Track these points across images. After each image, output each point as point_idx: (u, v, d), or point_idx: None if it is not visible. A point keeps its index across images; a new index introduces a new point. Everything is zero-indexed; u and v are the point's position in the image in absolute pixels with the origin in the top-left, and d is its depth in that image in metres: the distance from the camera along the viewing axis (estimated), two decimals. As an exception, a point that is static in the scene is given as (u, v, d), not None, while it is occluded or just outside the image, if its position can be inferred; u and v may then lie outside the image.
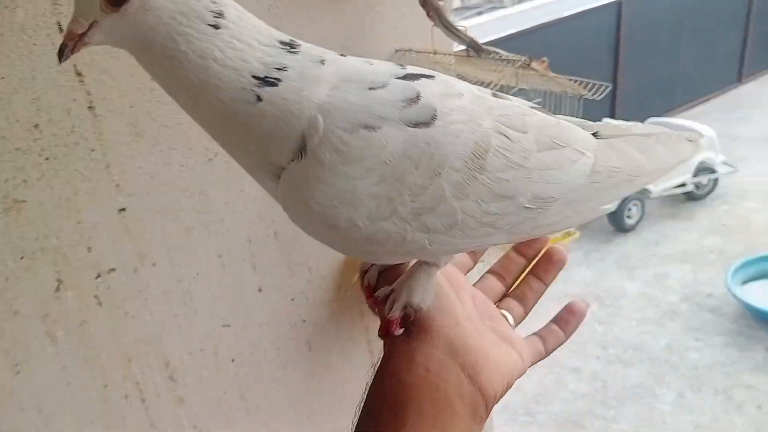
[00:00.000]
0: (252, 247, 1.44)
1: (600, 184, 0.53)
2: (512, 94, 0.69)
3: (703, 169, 4.25)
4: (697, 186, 4.32)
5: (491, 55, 1.41)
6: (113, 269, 1.23)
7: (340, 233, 0.47)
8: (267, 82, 0.44)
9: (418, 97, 0.46)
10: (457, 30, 1.41)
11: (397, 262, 0.58)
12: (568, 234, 1.84)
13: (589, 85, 1.45)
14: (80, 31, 0.42)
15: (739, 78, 6.13)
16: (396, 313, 0.55)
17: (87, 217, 1.19)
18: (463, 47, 1.46)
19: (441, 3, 1.38)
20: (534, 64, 1.37)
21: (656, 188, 4.01)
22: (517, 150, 0.49)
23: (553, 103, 1.50)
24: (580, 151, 0.53)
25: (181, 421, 1.36)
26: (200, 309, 1.37)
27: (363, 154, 0.45)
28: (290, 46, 0.46)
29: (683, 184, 4.21)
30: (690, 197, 4.37)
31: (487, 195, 0.48)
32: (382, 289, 0.57)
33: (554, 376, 2.96)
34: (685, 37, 5.58)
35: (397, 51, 1.54)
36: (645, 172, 0.55)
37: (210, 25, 0.44)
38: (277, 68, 0.45)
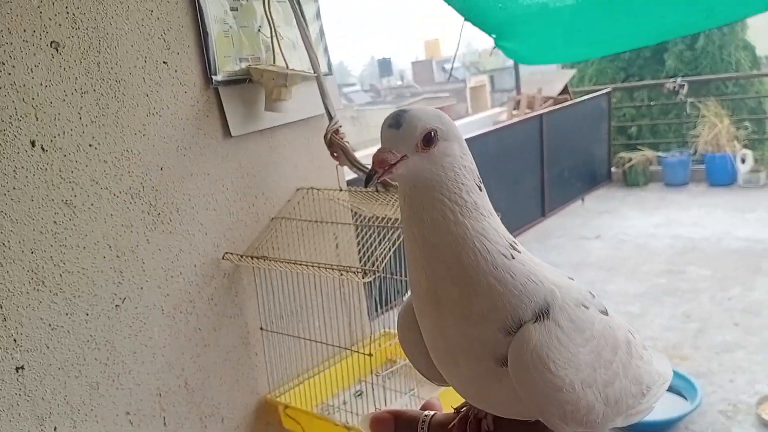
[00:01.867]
0: (162, 400, 1.31)
1: (647, 402, 0.60)
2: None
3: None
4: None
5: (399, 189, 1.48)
6: (13, 439, 1.05)
7: (561, 395, 0.51)
8: (513, 248, 0.52)
9: (594, 296, 0.56)
10: (364, 167, 1.49)
11: (521, 417, 0.57)
12: None
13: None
14: (393, 162, 0.47)
15: (543, 212, 6.97)
16: None
17: (-14, 379, 1.02)
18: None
19: (347, 143, 1.46)
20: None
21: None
22: (635, 344, 0.58)
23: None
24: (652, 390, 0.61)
25: None
26: (110, 478, 1.19)
27: (584, 326, 0.52)
28: (512, 246, 0.53)
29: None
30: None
31: (633, 378, 0.56)
32: None
33: None
34: (493, 178, 6.30)
35: (298, 189, 1.59)
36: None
37: (477, 186, 0.52)
38: (514, 248, 0.52)
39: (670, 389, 3.44)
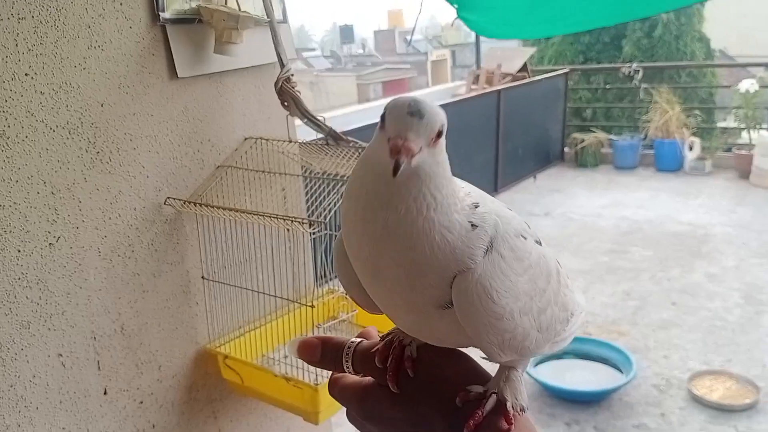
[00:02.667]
0: (97, 344, 1.28)
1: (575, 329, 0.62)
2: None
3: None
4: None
5: (350, 144, 1.47)
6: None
7: (501, 323, 0.52)
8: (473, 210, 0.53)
9: (529, 227, 0.57)
10: (315, 118, 1.47)
11: (458, 346, 0.58)
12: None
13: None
14: (416, 152, 0.47)
15: (496, 188, 7.05)
16: (487, 408, 0.55)
17: None
18: (322, 136, 1.51)
19: (298, 92, 1.43)
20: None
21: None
22: (563, 273, 0.60)
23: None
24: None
25: None
26: (37, 418, 1.16)
27: (523, 256, 0.53)
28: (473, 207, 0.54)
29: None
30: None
31: (563, 305, 0.58)
32: (475, 387, 0.55)
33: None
34: (449, 153, 6.33)
35: (246, 139, 1.55)
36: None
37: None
38: (473, 207, 0.53)
39: (607, 363, 3.55)
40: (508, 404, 0.54)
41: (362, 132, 4.75)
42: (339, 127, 1.60)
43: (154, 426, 1.38)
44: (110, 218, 1.29)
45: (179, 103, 1.39)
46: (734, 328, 4.03)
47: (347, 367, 0.58)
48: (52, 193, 1.19)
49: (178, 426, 1.44)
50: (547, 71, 8.46)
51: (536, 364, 3.58)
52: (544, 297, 0.55)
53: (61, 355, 1.21)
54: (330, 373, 0.61)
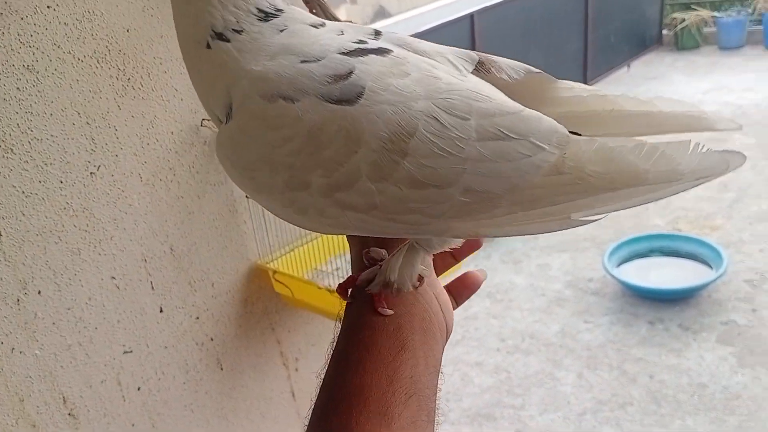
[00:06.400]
0: (148, 265, 1.34)
1: (565, 188, 0.47)
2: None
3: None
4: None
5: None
6: (-8, 300, 1.10)
7: (264, 198, 0.49)
8: (221, 37, 0.48)
9: (349, 74, 0.46)
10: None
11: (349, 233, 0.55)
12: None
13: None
14: None
15: (585, 80, 6.64)
16: (375, 289, 0.54)
17: (-44, 244, 1.05)
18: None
19: (325, -3, 1.37)
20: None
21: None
22: (449, 137, 0.45)
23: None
24: (537, 144, 0.47)
25: (86, 463, 1.23)
26: (96, 337, 1.25)
27: (280, 123, 0.45)
28: (266, 14, 0.49)
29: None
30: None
31: (408, 180, 0.46)
32: (376, 252, 0.57)
33: (459, 373, 3.00)
34: (534, 44, 5.98)
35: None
36: (639, 182, 0.47)
37: None
38: (234, 30, 0.48)
39: (696, 259, 3.38)
40: (377, 279, 0.54)
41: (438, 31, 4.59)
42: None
43: (212, 339, 1.46)
44: (148, 143, 1.31)
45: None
46: None
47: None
48: (88, 123, 1.22)
49: (237, 338, 1.51)
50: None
51: (619, 264, 3.48)
52: (341, 171, 0.45)
53: (114, 278, 1.28)
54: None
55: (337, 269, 1.59)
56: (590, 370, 2.92)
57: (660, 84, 6.62)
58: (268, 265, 1.51)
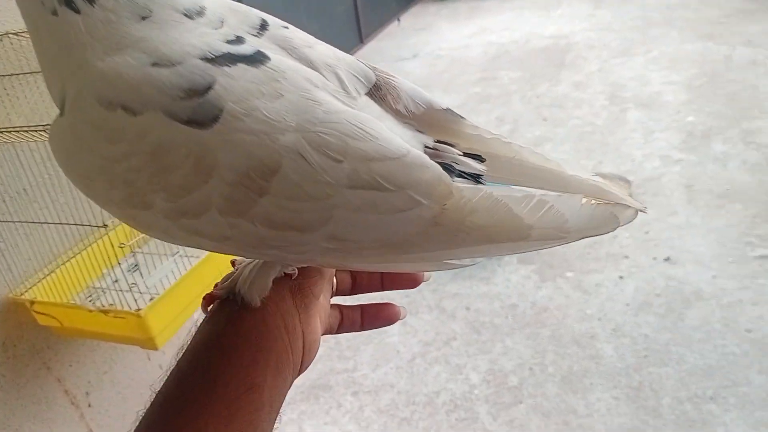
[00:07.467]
0: None
1: (441, 239, 0.44)
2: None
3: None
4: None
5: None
6: None
7: (103, 207, 0.44)
8: (70, 4, 0.39)
9: (207, 89, 0.38)
10: None
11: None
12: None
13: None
14: None
15: (361, 39, 6.75)
16: (218, 292, 0.51)
17: None
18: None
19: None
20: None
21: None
22: (316, 180, 0.40)
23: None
24: (415, 198, 0.42)
25: None
26: None
27: (119, 137, 0.39)
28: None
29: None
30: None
31: (265, 221, 0.41)
32: (232, 273, 0.52)
33: (290, 354, 2.93)
34: (303, 12, 5.92)
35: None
36: (520, 237, 0.45)
37: None
38: (87, 1, 0.39)
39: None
40: (225, 284, 0.51)
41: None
42: None
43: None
44: None
45: None
46: (602, 130, 4.16)
47: None
48: None
49: (2, 391, 1.27)
50: None
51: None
52: (189, 198, 0.40)
53: None
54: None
55: (116, 281, 1.40)
56: (412, 315, 2.99)
57: (429, 34, 6.93)
58: (23, 297, 1.28)
